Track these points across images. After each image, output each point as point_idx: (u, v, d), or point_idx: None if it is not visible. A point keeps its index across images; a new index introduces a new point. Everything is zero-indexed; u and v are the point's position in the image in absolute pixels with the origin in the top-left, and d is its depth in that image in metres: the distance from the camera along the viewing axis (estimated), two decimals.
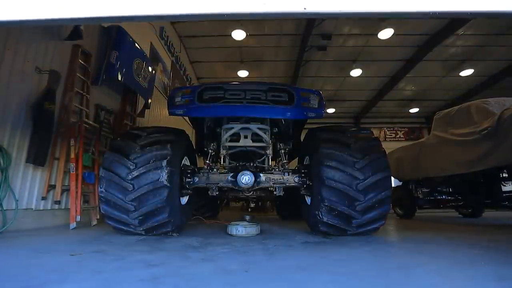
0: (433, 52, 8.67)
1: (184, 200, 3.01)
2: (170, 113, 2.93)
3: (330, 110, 14.06)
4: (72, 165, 3.44)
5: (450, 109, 4.89)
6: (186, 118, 3.58)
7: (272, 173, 2.91)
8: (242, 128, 2.94)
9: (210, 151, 3.15)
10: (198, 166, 3.26)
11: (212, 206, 5.02)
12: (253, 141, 2.98)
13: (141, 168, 2.47)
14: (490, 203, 4.82)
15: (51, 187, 3.39)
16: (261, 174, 2.80)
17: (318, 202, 2.56)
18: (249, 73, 10.49)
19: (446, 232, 3.36)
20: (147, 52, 5.94)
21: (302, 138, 3.45)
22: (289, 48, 8.97)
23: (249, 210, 7.68)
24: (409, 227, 4.03)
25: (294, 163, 3.44)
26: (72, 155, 3.46)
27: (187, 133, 3.20)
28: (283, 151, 3.17)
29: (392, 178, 4.41)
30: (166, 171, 2.49)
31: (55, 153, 3.47)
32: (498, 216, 6.34)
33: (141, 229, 2.56)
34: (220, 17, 1.33)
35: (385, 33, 8.00)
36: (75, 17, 1.32)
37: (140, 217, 2.48)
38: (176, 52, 8.33)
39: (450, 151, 4.53)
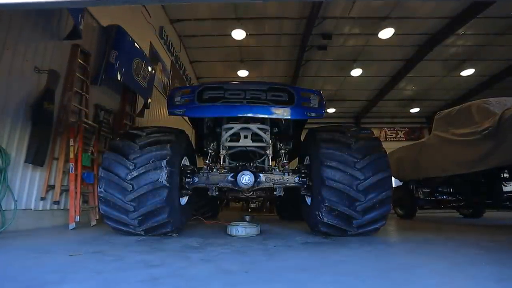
0: (434, 52, 8.66)
1: (184, 200, 3.00)
2: (170, 113, 2.92)
3: (331, 110, 14.05)
4: (71, 165, 3.43)
5: (451, 109, 4.89)
6: (186, 118, 3.57)
7: (272, 173, 2.90)
8: (242, 128, 2.93)
9: (210, 151, 3.14)
10: (198, 166, 3.25)
11: (212, 207, 5.01)
12: (253, 141, 2.97)
13: (140, 168, 2.46)
14: (491, 204, 4.80)
15: (50, 187, 3.38)
16: (261, 174, 2.79)
17: (318, 202, 2.55)
18: (249, 73, 10.48)
19: (447, 232, 3.35)
20: (146, 51, 5.93)
21: (302, 138, 3.44)
22: (289, 48, 8.96)
23: (249, 210, 7.67)
24: (410, 228, 4.03)
25: (294, 163, 3.42)
26: (71, 155, 3.45)
27: (186, 133, 3.19)
28: (283, 151, 3.16)
29: (393, 178, 4.40)
30: (166, 171, 2.48)
31: (54, 153, 3.46)
32: (499, 217, 6.34)
33: (141, 229, 2.55)
34: None
35: (386, 33, 7.99)
36: None
37: (140, 218, 2.47)
38: (176, 52, 8.33)
39: (451, 151, 4.52)
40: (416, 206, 5.90)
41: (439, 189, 5.89)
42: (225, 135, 2.93)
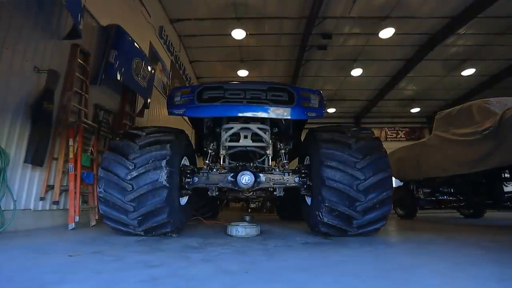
0: (434, 52, 8.66)
1: (184, 200, 2.99)
2: (170, 113, 2.91)
3: (331, 110, 14.04)
4: (71, 165, 3.42)
5: (452, 109, 4.88)
6: (186, 118, 3.57)
7: (272, 173, 2.89)
8: (242, 128, 2.92)
9: (209, 151, 3.13)
10: (197, 166, 3.24)
11: (212, 207, 5.00)
12: (253, 141, 2.96)
13: (140, 168, 2.45)
14: (491, 204, 4.80)
15: (50, 187, 3.37)
16: (261, 174, 2.78)
17: (318, 202, 2.54)
18: (249, 73, 10.48)
19: (448, 233, 3.34)
20: (146, 51, 5.93)
21: (302, 138, 3.44)
22: (289, 48, 8.96)
23: (249, 210, 7.66)
24: (410, 228, 4.02)
25: (294, 163, 3.42)
26: (71, 155, 3.44)
27: (186, 133, 3.19)
28: (283, 151, 3.15)
29: (393, 179, 4.39)
30: (166, 171, 2.47)
31: (54, 153, 3.45)
32: (499, 217, 6.34)
33: (140, 229, 2.54)
34: None
35: (386, 33, 7.99)
36: None
37: (139, 218, 2.46)
38: (176, 52, 8.32)
39: (451, 151, 4.51)
40: (417, 206, 5.89)
41: (440, 189, 5.88)
42: (225, 135, 2.92)
